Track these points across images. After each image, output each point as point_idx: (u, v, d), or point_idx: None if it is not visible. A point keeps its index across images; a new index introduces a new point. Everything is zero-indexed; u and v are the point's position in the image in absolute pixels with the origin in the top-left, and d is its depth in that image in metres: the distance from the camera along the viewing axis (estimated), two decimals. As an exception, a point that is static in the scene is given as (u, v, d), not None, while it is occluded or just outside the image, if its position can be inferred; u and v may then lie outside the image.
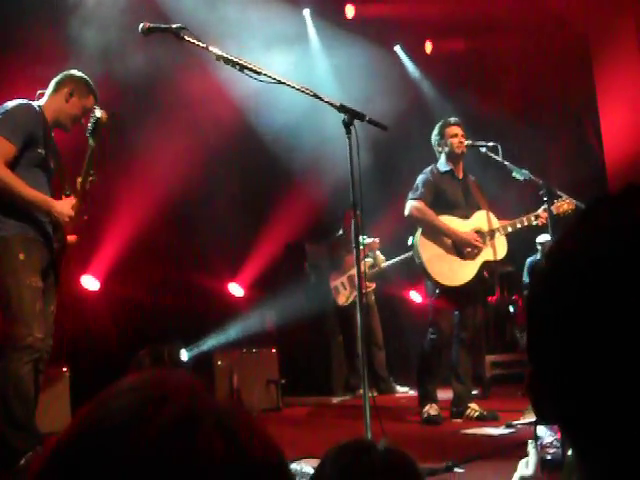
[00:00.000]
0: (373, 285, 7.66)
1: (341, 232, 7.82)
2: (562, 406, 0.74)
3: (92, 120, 3.94)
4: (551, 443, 1.15)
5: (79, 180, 4.04)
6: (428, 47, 10.43)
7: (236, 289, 8.69)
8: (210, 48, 3.47)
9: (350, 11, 9.52)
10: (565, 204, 5.19)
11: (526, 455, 1.36)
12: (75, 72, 4.22)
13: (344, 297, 7.53)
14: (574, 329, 0.71)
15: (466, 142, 5.45)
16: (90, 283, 7.14)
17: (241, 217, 8.48)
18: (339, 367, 7.99)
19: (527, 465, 1.21)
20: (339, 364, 7.99)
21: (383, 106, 8.80)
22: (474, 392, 6.09)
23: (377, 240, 7.68)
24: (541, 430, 2.07)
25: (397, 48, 10.35)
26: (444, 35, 10.11)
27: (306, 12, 9.40)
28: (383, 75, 9.25)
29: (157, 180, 7.12)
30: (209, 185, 8.03)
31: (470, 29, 9.62)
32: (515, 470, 1.32)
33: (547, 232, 8.96)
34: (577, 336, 0.70)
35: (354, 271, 7.42)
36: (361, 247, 7.62)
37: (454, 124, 5.53)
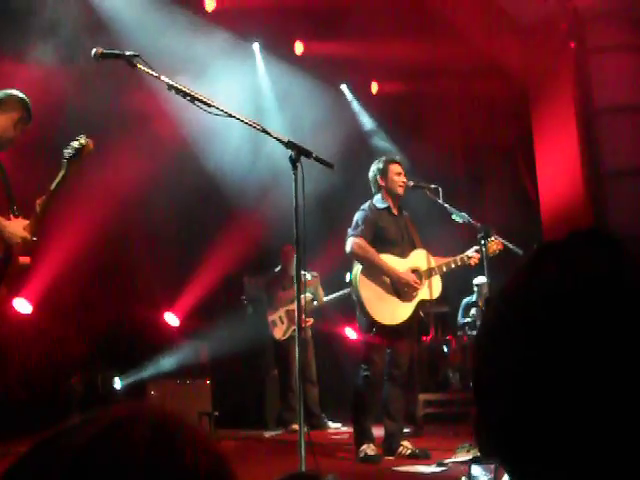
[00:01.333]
0: (311, 320, 7.67)
1: (279, 267, 7.83)
2: (508, 445, 0.76)
3: (75, 145, 3.89)
4: (486, 483, 1.18)
5: (39, 202, 3.99)
6: (374, 87, 10.62)
7: (172, 319, 8.61)
8: (162, 78, 3.49)
9: (299, 47, 9.63)
10: (494, 244, 5.31)
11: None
12: (12, 91, 4.16)
13: (281, 331, 7.53)
14: (521, 371, 0.73)
15: (409, 183, 5.52)
16: (23, 306, 6.98)
17: (181, 247, 8.44)
18: (273, 401, 7.95)
19: None
20: (273, 398, 7.96)
21: (327, 143, 8.95)
22: (406, 430, 6.11)
23: (317, 276, 7.72)
24: (475, 469, 2.11)
25: (343, 87, 10.50)
26: (389, 76, 10.32)
27: (255, 46, 9.48)
28: (329, 112, 9.37)
29: (96, 204, 7.04)
30: (149, 213, 7.97)
31: (414, 72, 9.83)
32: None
33: (482, 274, 9.22)
34: (524, 378, 0.73)
35: (292, 306, 7.50)
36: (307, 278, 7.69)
37: (398, 162, 5.58)
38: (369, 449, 5.37)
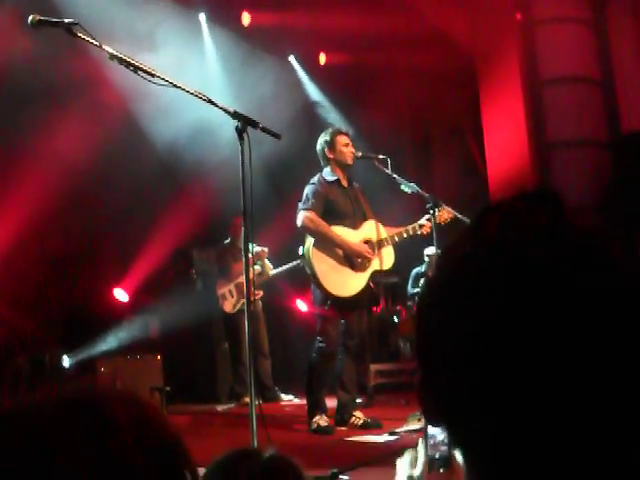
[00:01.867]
0: (260, 293, 7.65)
1: (229, 240, 7.77)
2: (448, 410, 0.76)
3: None
4: (442, 441, 1.17)
5: None
6: (322, 58, 10.55)
7: (121, 294, 8.50)
8: (104, 47, 3.39)
9: (246, 18, 9.50)
10: (445, 213, 5.34)
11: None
12: None
13: (230, 305, 7.49)
14: (458, 335, 0.72)
15: (358, 153, 5.50)
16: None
17: (129, 221, 8.32)
18: (224, 375, 7.94)
19: (413, 464, 1.22)
20: (224, 372, 7.94)
21: (276, 114, 8.87)
22: (358, 400, 6.16)
23: (266, 249, 7.67)
24: (433, 429, 2.12)
25: (291, 58, 10.41)
26: (338, 47, 10.26)
27: (202, 17, 9.32)
28: (277, 84, 9.28)
29: (41, 178, 6.88)
30: (96, 187, 7.83)
31: (361, 43, 9.78)
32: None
33: (433, 244, 9.30)
34: (462, 342, 0.72)
35: (242, 279, 7.45)
36: (250, 255, 7.63)
37: (345, 133, 5.55)
38: (322, 420, 5.41)
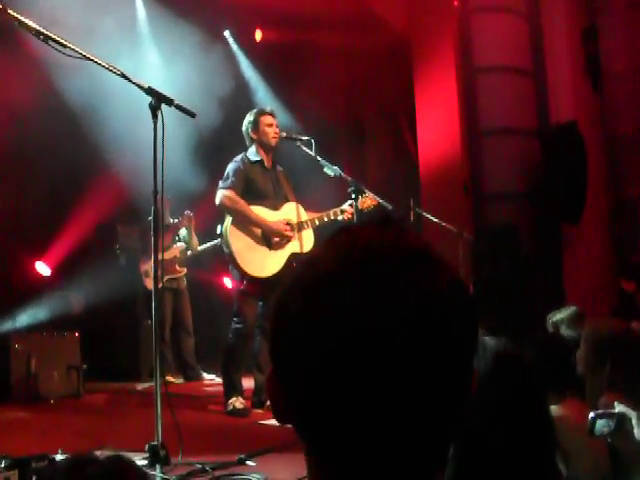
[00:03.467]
0: (184, 270, 7.56)
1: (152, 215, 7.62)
2: (293, 407, 0.81)
3: None
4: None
5: None
6: (258, 35, 10.43)
7: (43, 268, 8.31)
8: (9, 11, 3.25)
9: (183, -8, 9.31)
10: (368, 199, 5.35)
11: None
12: None
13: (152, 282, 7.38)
14: (298, 339, 0.79)
15: (281, 134, 5.46)
16: None
17: (53, 194, 8.12)
18: (146, 353, 7.83)
19: None
20: (146, 350, 7.83)
21: (209, 91, 8.75)
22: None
23: (191, 214, 7.54)
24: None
25: (226, 33, 10.26)
26: (274, 25, 10.15)
27: (137, -1, 9.11)
28: (210, 60, 9.13)
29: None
30: (19, 161, 7.62)
31: (297, 21, 9.70)
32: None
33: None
34: (301, 347, 0.79)
35: (165, 255, 7.34)
36: (171, 226, 7.51)
37: (269, 113, 5.50)
38: (237, 402, 5.38)
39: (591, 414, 2.43)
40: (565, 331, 3.94)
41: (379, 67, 10.43)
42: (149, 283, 7.36)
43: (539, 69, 10.27)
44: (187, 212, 7.47)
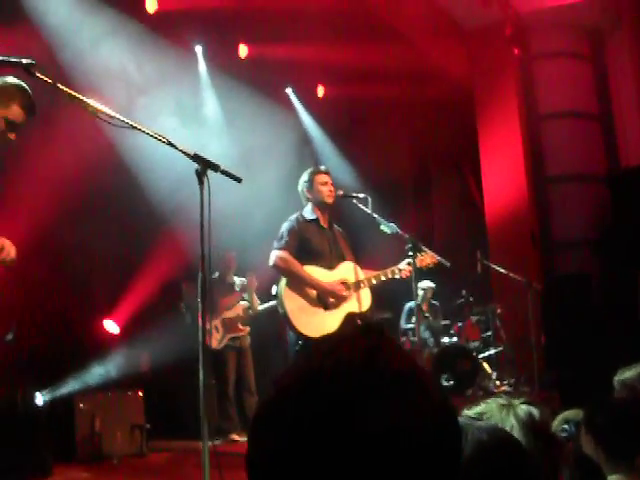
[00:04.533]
0: (247, 329, 7.57)
1: (217, 274, 7.69)
2: None
3: None
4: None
5: None
6: (320, 91, 10.56)
7: (112, 326, 8.45)
8: (60, 86, 3.35)
9: (243, 51, 9.53)
10: (428, 257, 5.26)
11: None
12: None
13: (216, 340, 7.41)
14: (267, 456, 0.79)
15: (338, 192, 5.44)
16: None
17: (119, 252, 8.29)
18: (211, 411, 7.83)
19: None
20: (211, 408, 7.83)
21: (273, 150, 8.88)
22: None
23: (254, 278, 7.56)
24: None
25: (288, 90, 10.42)
26: (336, 80, 10.26)
27: (198, 49, 9.35)
28: (274, 118, 9.28)
29: (30, 207, 6.87)
30: (85, 220, 7.83)
31: (361, 77, 9.77)
32: None
33: (428, 278, 9.23)
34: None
35: (228, 314, 7.38)
36: (237, 288, 7.54)
37: (324, 172, 5.47)
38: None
39: None
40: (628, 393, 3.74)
41: (442, 118, 10.41)
42: (212, 342, 7.40)
43: (606, 112, 10.09)
44: (250, 275, 7.48)
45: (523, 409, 1.78)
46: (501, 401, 1.81)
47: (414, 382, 0.78)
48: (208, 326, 7.32)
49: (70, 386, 6.70)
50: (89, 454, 6.13)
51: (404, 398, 0.76)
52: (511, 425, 1.68)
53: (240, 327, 7.49)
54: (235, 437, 7.32)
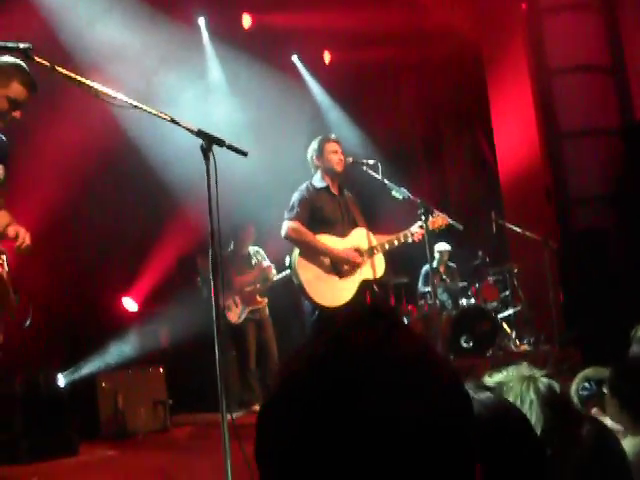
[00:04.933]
0: (265, 300, 7.56)
1: (231, 247, 7.66)
2: None
3: None
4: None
5: None
6: (327, 57, 10.44)
7: (130, 303, 8.49)
8: (58, 69, 3.32)
9: (247, 21, 9.43)
10: (440, 219, 5.24)
11: None
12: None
13: (236, 315, 7.41)
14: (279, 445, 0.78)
15: (347, 159, 5.40)
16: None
17: (133, 231, 8.31)
18: (233, 383, 7.88)
19: None
20: (232, 380, 7.88)
21: (281, 119, 8.80)
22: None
23: (272, 266, 7.53)
24: None
25: (294, 58, 10.31)
26: (342, 46, 10.14)
27: (201, 21, 9.27)
28: (281, 87, 9.19)
29: (43, 190, 6.89)
30: (99, 199, 7.85)
31: (366, 40, 9.65)
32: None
33: (443, 240, 9.19)
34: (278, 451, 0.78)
35: (247, 288, 7.36)
36: (253, 260, 7.51)
37: (334, 140, 5.41)
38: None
39: None
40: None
41: (451, 78, 10.29)
42: (231, 317, 7.41)
43: (618, 64, 9.91)
44: (268, 264, 7.47)
45: (544, 382, 1.76)
46: (524, 371, 1.79)
47: (424, 368, 0.78)
48: (227, 302, 7.36)
49: (92, 366, 6.76)
50: (114, 432, 6.20)
51: (412, 385, 0.75)
52: (530, 400, 1.66)
53: (258, 299, 7.48)
54: (257, 408, 7.36)
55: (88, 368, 6.66)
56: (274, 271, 7.51)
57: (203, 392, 7.75)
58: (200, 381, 7.84)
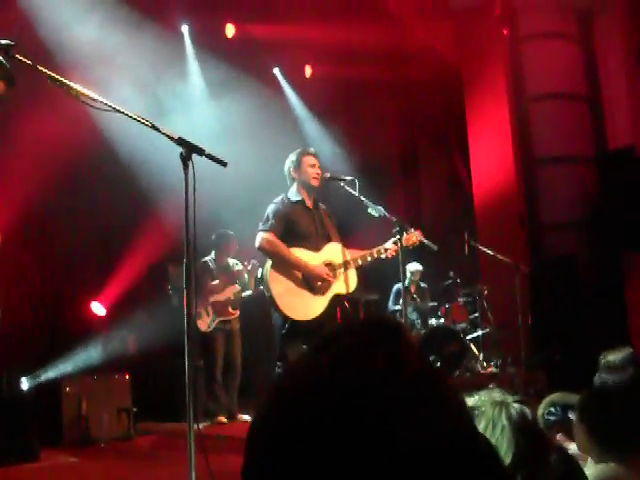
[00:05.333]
0: (237, 312, 7.50)
1: (213, 255, 7.58)
2: None
3: None
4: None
5: None
6: (308, 71, 10.47)
7: (98, 308, 8.40)
8: (40, 68, 3.29)
9: (230, 30, 9.43)
10: (414, 236, 5.24)
11: None
12: None
13: (205, 324, 7.35)
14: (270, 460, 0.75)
15: (325, 175, 5.40)
16: None
17: (105, 235, 8.25)
18: (198, 393, 7.81)
19: None
20: (199, 390, 7.81)
21: (260, 130, 8.80)
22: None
23: (257, 264, 7.44)
24: None
25: (276, 70, 10.33)
26: (324, 60, 10.17)
27: (185, 29, 9.25)
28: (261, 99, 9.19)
29: (14, 189, 6.81)
30: (72, 203, 7.78)
31: (349, 56, 9.70)
32: None
33: (416, 260, 9.23)
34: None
35: (217, 298, 7.31)
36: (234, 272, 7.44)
37: (312, 154, 5.41)
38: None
39: None
40: (612, 376, 3.74)
41: (430, 99, 10.36)
42: (201, 325, 7.34)
43: (594, 94, 10.07)
44: (254, 261, 7.38)
45: (516, 408, 1.77)
46: (496, 397, 1.79)
47: (433, 392, 0.77)
48: (199, 309, 7.29)
49: (56, 370, 6.67)
50: (76, 438, 6.11)
51: (420, 402, 0.74)
52: (502, 425, 1.67)
53: (230, 310, 7.43)
54: (222, 419, 7.29)
55: (53, 372, 6.57)
56: (246, 275, 7.45)
57: (168, 400, 7.69)
58: (166, 389, 7.79)
